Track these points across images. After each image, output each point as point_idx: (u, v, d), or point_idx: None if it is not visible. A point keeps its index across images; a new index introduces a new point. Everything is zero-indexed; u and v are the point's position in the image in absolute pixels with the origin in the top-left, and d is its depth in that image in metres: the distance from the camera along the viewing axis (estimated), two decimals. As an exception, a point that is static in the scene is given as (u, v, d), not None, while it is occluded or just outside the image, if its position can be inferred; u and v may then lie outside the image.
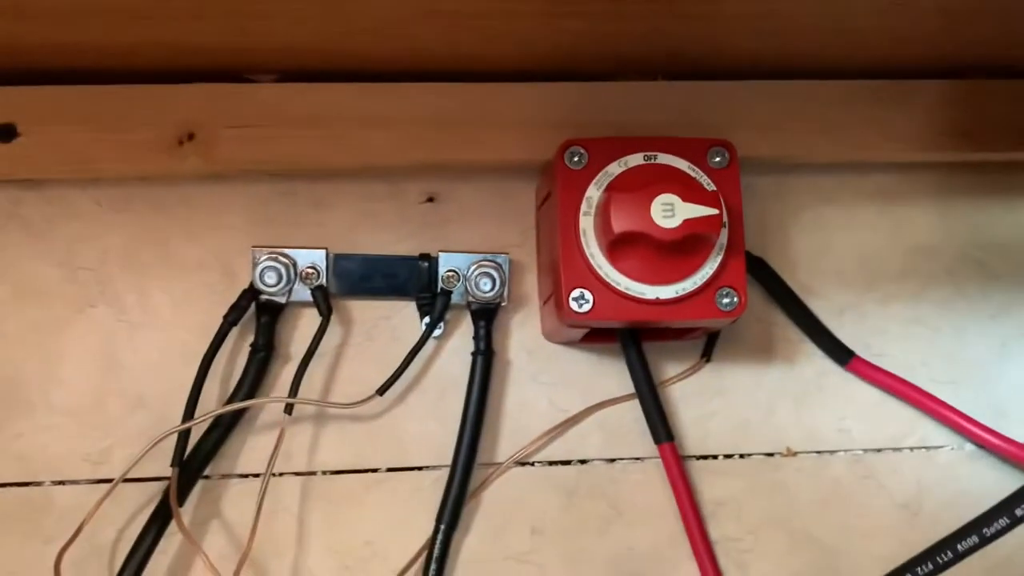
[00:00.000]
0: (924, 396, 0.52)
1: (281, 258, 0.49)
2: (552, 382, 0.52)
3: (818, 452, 0.53)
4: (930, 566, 0.37)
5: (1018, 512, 0.36)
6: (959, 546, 0.37)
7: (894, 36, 0.48)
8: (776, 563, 0.51)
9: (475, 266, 0.50)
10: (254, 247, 0.50)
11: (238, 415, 0.50)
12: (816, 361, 0.53)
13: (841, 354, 0.53)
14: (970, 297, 0.55)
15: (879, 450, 0.53)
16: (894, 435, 0.53)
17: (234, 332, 0.50)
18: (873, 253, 0.54)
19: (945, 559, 0.37)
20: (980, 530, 0.36)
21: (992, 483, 0.52)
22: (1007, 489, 0.51)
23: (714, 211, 0.44)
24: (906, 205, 0.55)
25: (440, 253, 0.51)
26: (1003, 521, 0.36)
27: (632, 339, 0.51)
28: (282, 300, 0.50)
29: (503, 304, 0.51)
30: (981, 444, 0.53)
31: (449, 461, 0.50)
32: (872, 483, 0.52)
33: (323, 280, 0.50)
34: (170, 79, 0.49)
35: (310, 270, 0.50)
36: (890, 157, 0.53)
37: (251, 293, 0.49)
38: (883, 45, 0.49)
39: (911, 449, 0.53)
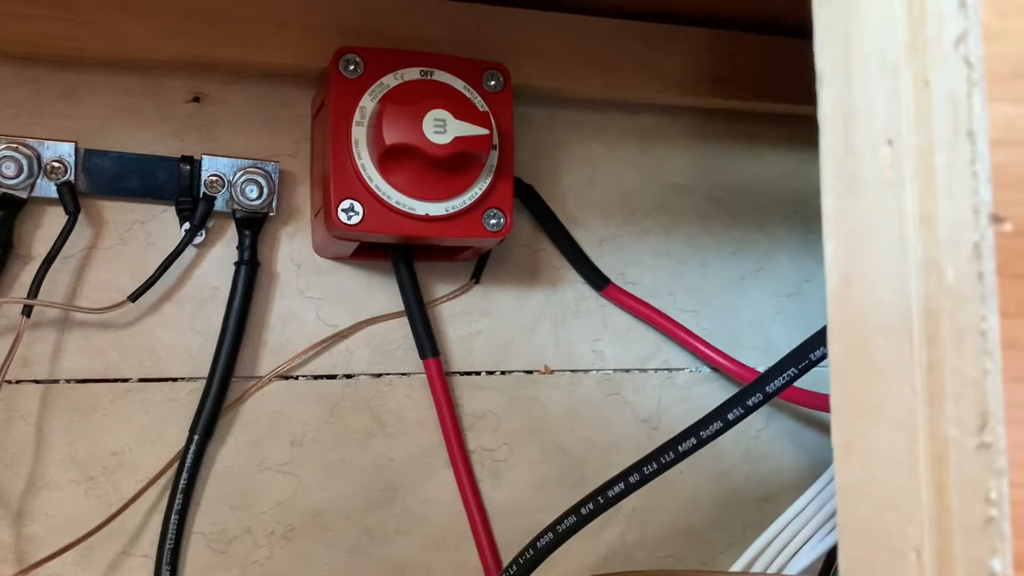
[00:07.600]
0: (669, 322, 0.57)
1: (23, 148, 0.45)
2: (321, 297, 0.52)
3: (572, 371, 0.56)
4: (654, 465, 0.41)
5: (730, 416, 0.40)
6: (680, 447, 0.41)
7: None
8: (527, 471, 0.55)
9: (241, 172, 0.48)
10: (-10, 135, 0.45)
11: (-33, 318, 0.46)
12: (576, 287, 0.56)
13: (598, 280, 0.56)
14: (715, 235, 0.60)
15: (627, 370, 0.57)
16: (641, 357, 0.57)
17: (-35, 228, 0.45)
18: (632, 189, 0.58)
19: (668, 459, 0.41)
20: (697, 433, 0.40)
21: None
22: (733, 407, 0.57)
23: (484, 131, 0.45)
24: (664, 146, 0.59)
25: (204, 156, 0.48)
26: (717, 424, 0.40)
27: (403, 255, 0.52)
28: (23, 195, 0.46)
29: (271, 214, 0.50)
30: (716, 367, 0.58)
31: (207, 373, 0.49)
32: (618, 400, 0.57)
33: (70, 176, 0.46)
34: None
35: (56, 164, 0.46)
36: (654, 99, 0.56)
37: (-14, 185, 0.45)
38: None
39: (655, 370, 0.58)
